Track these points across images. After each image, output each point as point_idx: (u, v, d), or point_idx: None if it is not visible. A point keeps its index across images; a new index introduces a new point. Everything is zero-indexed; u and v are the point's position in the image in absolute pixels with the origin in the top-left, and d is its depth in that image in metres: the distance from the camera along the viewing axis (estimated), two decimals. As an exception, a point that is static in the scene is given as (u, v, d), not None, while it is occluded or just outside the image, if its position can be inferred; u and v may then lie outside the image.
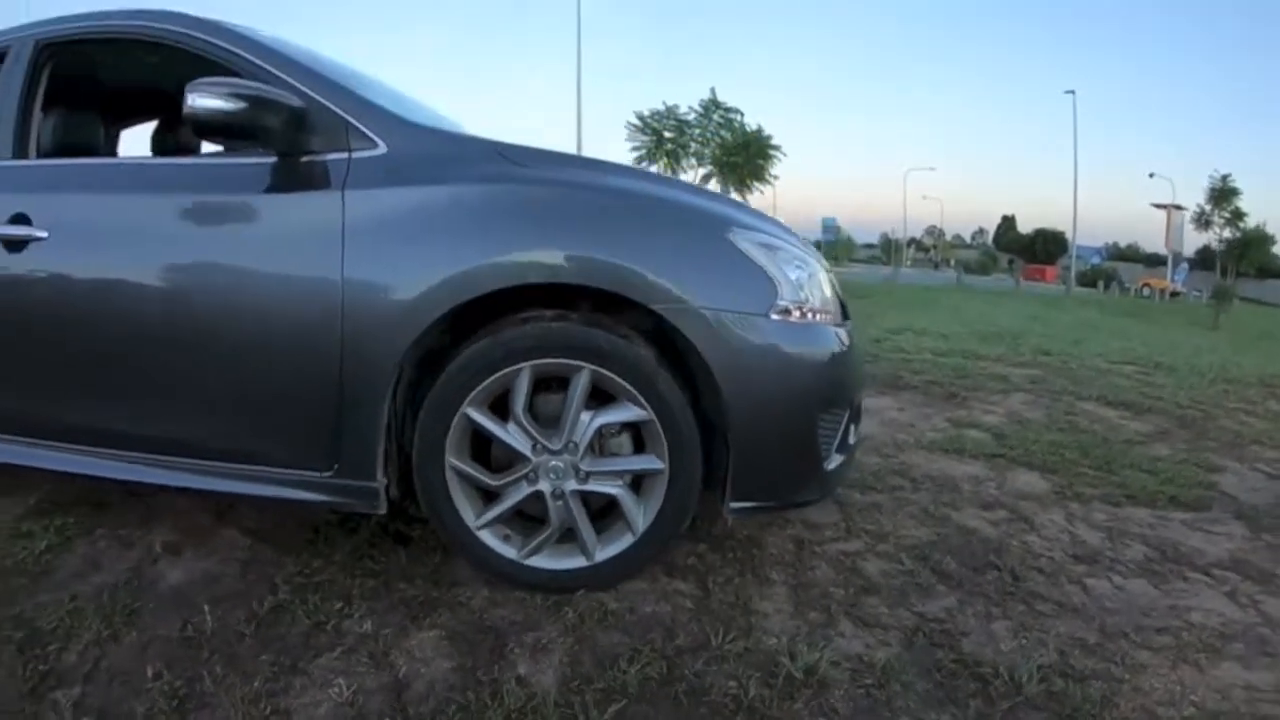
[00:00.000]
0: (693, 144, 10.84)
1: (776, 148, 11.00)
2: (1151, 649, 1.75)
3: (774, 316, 1.58)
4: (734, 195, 12.43)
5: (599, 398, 1.60)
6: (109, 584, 1.75)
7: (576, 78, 23.73)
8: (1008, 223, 74.19)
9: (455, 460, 1.62)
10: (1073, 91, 37.91)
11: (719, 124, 10.80)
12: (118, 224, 1.83)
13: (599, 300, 1.62)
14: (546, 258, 1.56)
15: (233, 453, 1.74)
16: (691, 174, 11.29)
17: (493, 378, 1.57)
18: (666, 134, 10.92)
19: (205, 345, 1.70)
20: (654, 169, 11.16)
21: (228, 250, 1.71)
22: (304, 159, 1.68)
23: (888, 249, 65.31)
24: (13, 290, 1.87)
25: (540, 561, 1.69)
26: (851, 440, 1.92)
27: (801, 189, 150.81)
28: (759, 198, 10.84)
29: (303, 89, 1.71)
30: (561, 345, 1.56)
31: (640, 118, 10.99)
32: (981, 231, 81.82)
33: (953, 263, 54.40)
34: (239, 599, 1.66)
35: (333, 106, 1.70)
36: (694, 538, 1.99)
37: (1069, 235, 41.26)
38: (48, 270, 1.84)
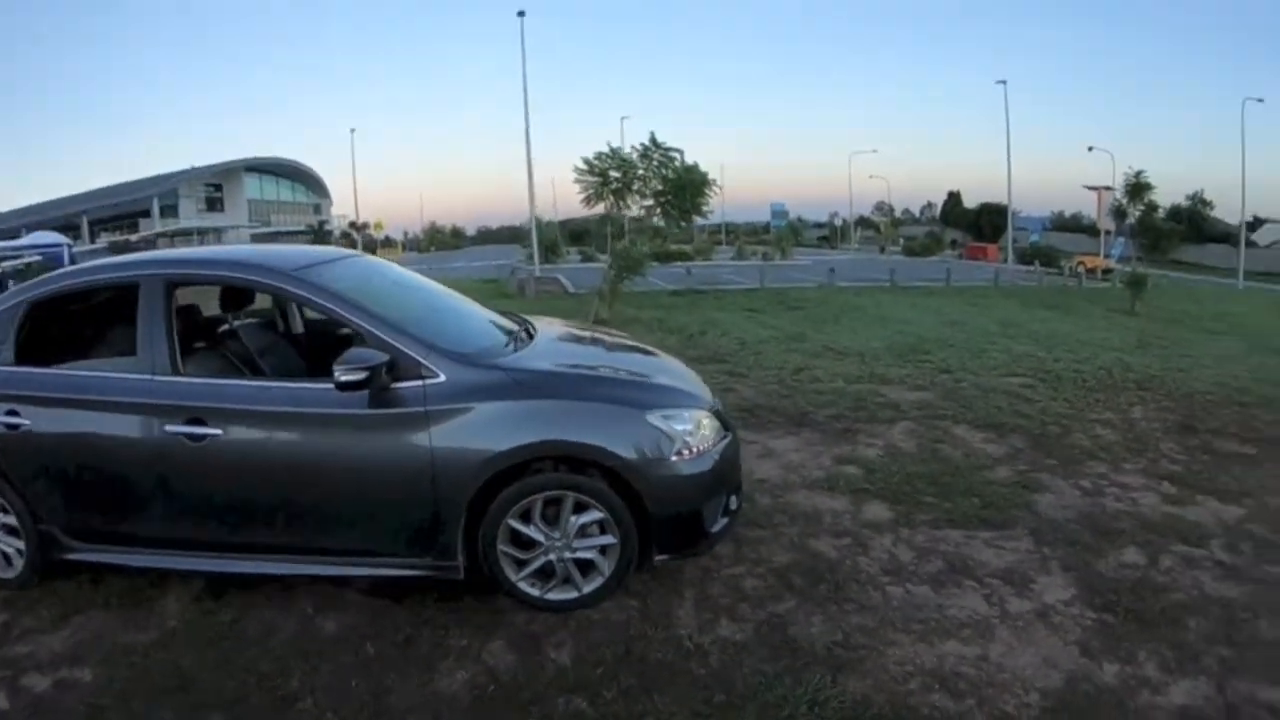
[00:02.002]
0: (636, 181, 12.17)
1: (711, 182, 12.37)
2: (907, 632, 2.71)
3: (672, 458, 2.84)
4: (675, 229, 14.00)
5: (579, 507, 2.83)
6: (290, 637, 2.81)
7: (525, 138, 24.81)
8: (954, 198, 76.28)
9: (503, 546, 2.86)
10: (1004, 82, 40.10)
11: (659, 163, 12.10)
12: (275, 425, 2.88)
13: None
14: (548, 443, 2.77)
15: (368, 551, 2.96)
16: (635, 209, 12.70)
17: (520, 503, 2.81)
18: (613, 173, 12.21)
19: (350, 491, 2.87)
20: (600, 208, 12.60)
21: (358, 438, 2.82)
22: (394, 385, 2.78)
23: (834, 234, 67.24)
24: (201, 466, 2.84)
25: (553, 595, 2.93)
26: (733, 506, 3.15)
27: (753, 176, 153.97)
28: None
29: (388, 341, 2.80)
30: (557, 485, 2.81)
31: (586, 161, 12.25)
32: (930, 205, 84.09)
33: (900, 243, 56.26)
34: (380, 636, 2.82)
35: (410, 352, 2.81)
36: (644, 572, 3.08)
37: (1014, 208, 43.43)
38: (227, 453, 2.82)
